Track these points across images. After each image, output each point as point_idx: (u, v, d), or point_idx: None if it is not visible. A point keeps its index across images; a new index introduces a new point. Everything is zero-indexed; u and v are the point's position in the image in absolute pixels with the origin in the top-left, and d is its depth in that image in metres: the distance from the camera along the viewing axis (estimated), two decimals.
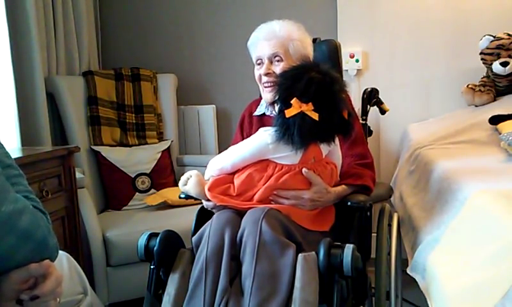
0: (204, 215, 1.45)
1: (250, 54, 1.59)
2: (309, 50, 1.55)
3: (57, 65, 2.44)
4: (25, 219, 0.83)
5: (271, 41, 1.49)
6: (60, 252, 1.28)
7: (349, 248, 1.15)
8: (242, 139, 1.58)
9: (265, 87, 1.51)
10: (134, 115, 2.60)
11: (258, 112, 1.65)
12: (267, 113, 1.61)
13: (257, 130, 1.41)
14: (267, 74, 1.50)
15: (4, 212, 0.80)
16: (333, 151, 1.41)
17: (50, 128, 2.27)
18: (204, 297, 1.15)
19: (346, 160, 1.49)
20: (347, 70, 2.63)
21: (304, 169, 1.32)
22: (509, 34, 2.30)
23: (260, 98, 1.70)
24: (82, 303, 1.25)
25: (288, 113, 1.25)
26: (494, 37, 2.31)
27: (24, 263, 0.83)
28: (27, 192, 0.92)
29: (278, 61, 1.49)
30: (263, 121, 1.61)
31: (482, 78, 2.43)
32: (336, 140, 1.36)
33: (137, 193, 2.44)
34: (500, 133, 1.91)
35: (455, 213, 1.44)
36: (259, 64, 1.53)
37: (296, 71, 1.30)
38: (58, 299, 0.89)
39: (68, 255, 1.31)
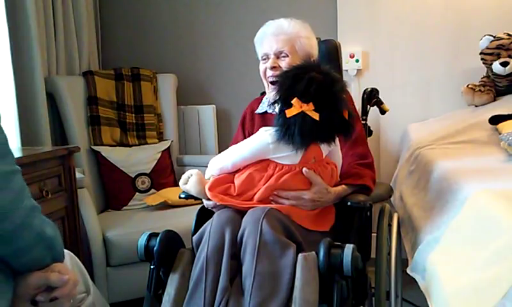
0: (204, 215, 1.45)
1: (256, 49, 1.59)
2: (315, 50, 1.57)
3: (57, 65, 2.44)
4: (38, 216, 0.85)
5: (279, 37, 1.50)
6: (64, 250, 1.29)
7: (349, 248, 1.15)
8: (244, 137, 1.59)
9: (270, 82, 1.51)
10: (134, 115, 2.60)
11: (260, 109, 1.65)
12: (269, 111, 1.61)
13: (259, 127, 1.41)
14: (272, 68, 1.50)
15: (26, 206, 0.82)
16: (334, 152, 1.41)
17: (50, 128, 2.27)
18: (204, 296, 1.15)
19: (346, 160, 1.49)
20: (347, 70, 2.63)
21: (304, 169, 1.32)
22: (509, 34, 2.30)
23: (262, 96, 1.70)
24: (84, 302, 1.25)
25: (289, 113, 1.25)
26: (494, 37, 2.31)
27: (37, 259, 0.85)
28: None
29: (284, 56, 1.50)
30: (265, 119, 1.61)
31: (482, 78, 2.43)
32: (337, 140, 1.36)
33: (137, 193, 2.44)
34: (500, 133, 1.91)
35: (455, 213, 1.44)
36: (265, 59, 1.54)
37: (297, 71, 1.30)
38: (71, 300, 0.91)
39: (72, 254, 1.31)
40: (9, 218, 0.78)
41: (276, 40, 1.51)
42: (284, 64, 1.48)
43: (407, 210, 1.95)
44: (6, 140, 0.82)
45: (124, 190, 2.42)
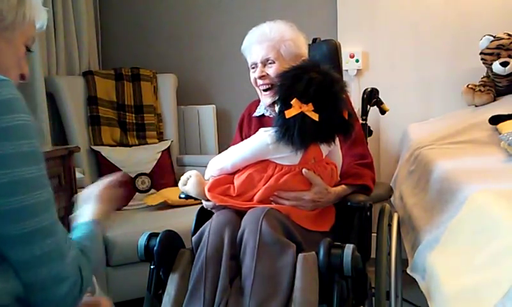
0: (204, 215, 1.45)
1: (245, 58, 1.59)
2: (303, 49, 1.54)
3: (57, 65, 2.44)
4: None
5: (263, 44, 1.49)
6: None
7: (349, 248, 1.15)
8: (242, 140, 1.58)
9: (262, 90, 1.51)
10: (134, 115, 2.60)
11: (257, 113, 1.64)
12: (266, 114, 1.61)
13: (256, 131, 1.40)
14: (261, 77, 1.49)
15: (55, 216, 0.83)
16: (333, 152, 1.41)
17: (50, 128, 2.27)
18: (204, 296, 1.15)
19: (346, 160, 1.49)
20: (347, 70, 2.63)
21: (304, 170, 1.32)
22: (509, 34, 2.30)
23: (259, 99, 1.70)
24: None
25: (289, 114, 1.25)
26: (494, 37, 2.31)
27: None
28: None
29: (270, 63, 1.49)
30: (262, 122, 1.60)
31: (482, 78, 2.43)
32: (337, 140, 1.36)
33: (137, 193, 2.44)
34: (500, 133, 1.91)
35: (455, 213, 1.44)
36: (253, 68, 1.53)
37: (296, 72, 1.30)
38: None
39: None
40: (39, 216, 0.77)
41: (261, 48, 1.49)
42: (272, 71, 1.47)
43: (407, 210, 1.95)
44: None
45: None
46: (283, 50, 1.48)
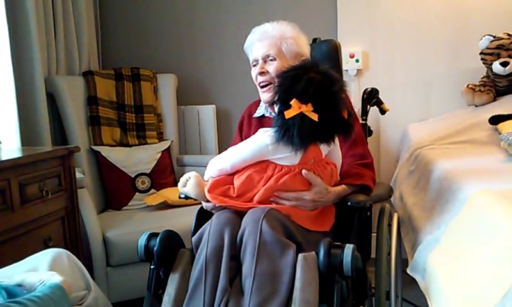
0: (204, 215, 1.45)
1: (248, 56, 1.59)
2: (304, 49, 1.54)
3: (57, 65, 2.44)
4: None
5: (264, 42, 1.50)
6: (61, 250, 1.30)
7: (349, 248, 1.15)
8: (241, 140, 1.58)
9: (261, 87, 1.52)
10: (134, 115, 2.60)
11: (257, 113, 1.65)
12: (266, 114, 1.61)
13: (256, 131, 1.40)
14: (261, 73, 1.50)
15: None
16: (333, 151, 1.41)
17: (50, 128, 2.27)
18: (204, 297, 1.15)
19: (346, 160, 1.49)
20: (347, 70, 2.63)
21: (304, 171, 1.31)
22: (509, 34, 2.30)
23: (260, 99, 1.70)
24: (86, 299, 1.26)
25: (288, 114, 1.25)
26: (494, 37, 2.31)
27: None
28: None
29: (271, 60, 1.49)
30: (262, 122, 1.60)
31: (482, 78, 2.43)
32: (336, 140, 1.36)
33: (137, 193, 2.44)
34: (500, 133, 1.91)
35: (455, 213, 1.44)
36: (255, 65, 1.54)
37: (295, 72, 1.29)
38: None
39: (69, 253, 1.32)
40: None
41: (262, 45, 1.50)
42: (272, 68, 1.47)
43: (407, 210, 1.95)
44: None
45: (124, 190, 2.42)
46: (285, 48, 1.49)
